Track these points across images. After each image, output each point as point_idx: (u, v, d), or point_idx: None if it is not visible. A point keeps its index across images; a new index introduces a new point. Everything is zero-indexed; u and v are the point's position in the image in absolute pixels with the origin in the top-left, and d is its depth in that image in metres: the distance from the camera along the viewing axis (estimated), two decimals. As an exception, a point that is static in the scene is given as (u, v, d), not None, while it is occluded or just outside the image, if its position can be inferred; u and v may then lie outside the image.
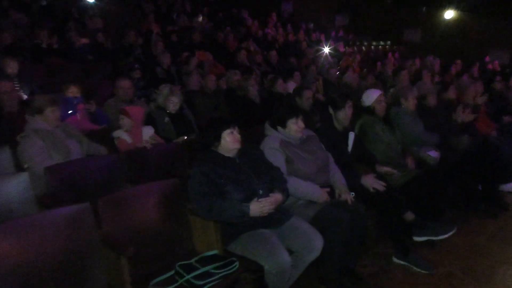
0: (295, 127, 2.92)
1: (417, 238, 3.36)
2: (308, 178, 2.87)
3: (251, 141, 2.99)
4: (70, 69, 6.80)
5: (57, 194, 2.73)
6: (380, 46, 13.61)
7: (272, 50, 8.42)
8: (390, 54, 10.84)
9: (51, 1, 9.78)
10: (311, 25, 13.07)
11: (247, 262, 2.39)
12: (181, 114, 4.20)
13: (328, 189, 2.90)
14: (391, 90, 4.50)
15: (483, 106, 5.12)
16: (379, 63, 7.93)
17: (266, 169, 2.64)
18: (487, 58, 11.40)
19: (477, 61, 9.87)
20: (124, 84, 4.57)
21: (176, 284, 2.12)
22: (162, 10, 11.28)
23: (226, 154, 2.56)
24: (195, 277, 2.12)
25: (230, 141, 2.53)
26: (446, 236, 3.29)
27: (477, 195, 4.21)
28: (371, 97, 3.77)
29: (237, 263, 2.25)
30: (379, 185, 3.15)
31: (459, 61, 8.76)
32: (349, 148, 3.46)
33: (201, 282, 2.09)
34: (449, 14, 14.41)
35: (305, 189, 2.81)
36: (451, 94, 4.79)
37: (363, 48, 12.86)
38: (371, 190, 3.16)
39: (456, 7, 14.06)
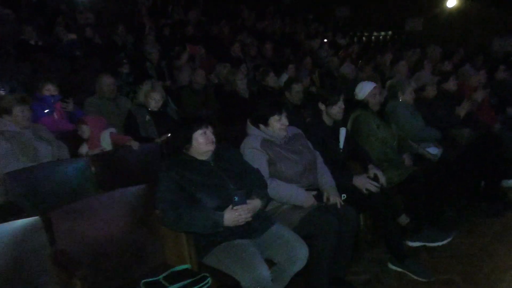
0: (278, 124, 2.67)
1: (411, 243, 3.12)
2: (292, 180, 2.63)
3: (237, 139, 2.76)
4: (56, 65, 6.60)
5: (17, 203, 2.49)
6: (381, 37, 13.25)
7: (267, 43, 8.12)
8: (389, 44, 10.51)
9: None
10: (310, 16, 12.74)
11: (222, 277, 2.15)
12: (163, 112, 3.95)
13: (315, 192, 2.66)
14: (388, 82, 4.22)
15: (486, 97, 4.83)
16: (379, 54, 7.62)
17: (244, 172, 2.40)
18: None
19: (481, 50, 9.53)
20: (106, 81, 4.33)
21: (139, 305, 1.90)
22: (157, 3, 11.01)
23: (199, 157, 2.32)
24: (160, 297, 1.89)
25: (202, 143, 2.28)
26: (442, 243, 3.04)
27: (480, 192, 3.95)
28: (364, 90, 3.51)
29: (209, 279, 2.02)
30: (372, 186, 2.91)
31: (461, 50, 8.43)
32: (341, 144, 3.21)
33: (167, 303, 1.87)
34: (452, 2, 14.04)
35: (288, 192, 2.57)
36: (451, 84, 4.50)
37: (364, 38, 12.51)
38: (364, 191, 2.92)
39: (459, -5, 13.67)
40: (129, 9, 10.09)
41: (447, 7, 14.05)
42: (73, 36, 7.27)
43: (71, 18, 8.68)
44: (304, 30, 10.59)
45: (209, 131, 2.31)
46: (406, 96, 3.83)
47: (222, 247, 2.20)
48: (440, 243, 3.04)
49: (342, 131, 3.19)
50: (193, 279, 2.02)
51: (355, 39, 12.07)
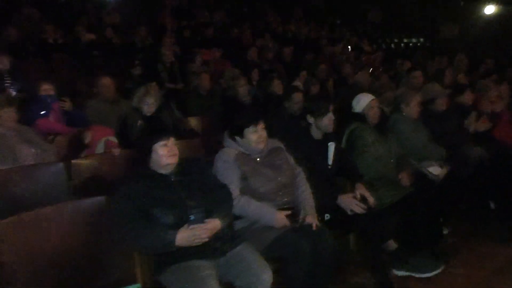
0: (253, 137, 2.51)
1: (397, 272, 2.86)
2: (265, 198, 2.47)
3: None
4: (73, 65, 6.67)
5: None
6: (411, 44, 12.77)
7: (286, 47, 7.94)
8: (418, 52, 10.09)
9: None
10: (338, 21, 12.45)
11: (175, 299, 2.02)
12: (157, 117, 3.86)
13: (289, 212, 2.48)
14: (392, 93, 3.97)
15: (507, 112, 4.47)
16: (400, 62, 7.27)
17: (209, 188, 2.26)
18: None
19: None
20: (105, 82, 4.30)
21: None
22: (183, 4, 11.01)
23: (159, 171, 2.19)
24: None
25: (162, 155, 2.16)
26: (431, 274, 2.78)
27: (488, 214, 3.65)
28: (362, 102, 3.31)
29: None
30: (358, 207, 2.70)
31: (490, 60, 7.93)
32: (329, 160, 3.01)
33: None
34: (490, 9, 13.40)
35: (257, 212, 2.40)
36: (467, 98, 4.18)
37: (392, 45, 12.09)
38: (349, 212, 2.72)
39: (498, 1, 13.01)
40: (155, 9, 10.15)
41: (485, 13, 13.42)
42: (91, 36, 7.34)
43: (96, 18, 8.80)
44: (329, 35, 10.33)
45: (171, 143, 2.18)
46: (411, 109, 3.58)
47: (178, 266, 2.06)
48: (428, 274, 2.78)
49: (331, 146, 2.99)
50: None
51: (383, 46, 11.67)
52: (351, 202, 2.72)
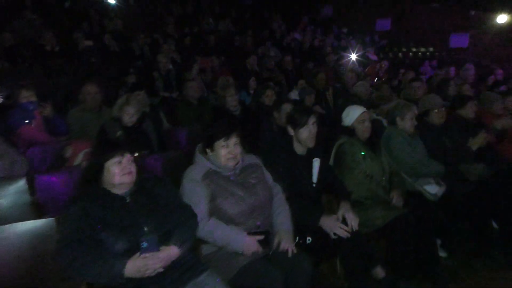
0: (223, 151, 2.29)
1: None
2: (234, 221, 2.24)
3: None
4: (69, 71, 6.55)
5: None
6: (420, 53, 12.47)
7: (287, 56, 7.74)
8: (427, 62, 9.80)
9: (74, 3, 9.66)
10: (345, 30, 12.23)
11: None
12: (138, 128, 3.67)
13: (261, 237, 2.24)
14: (387, 106, 3.73)
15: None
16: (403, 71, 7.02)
17: (170, 210, 2.04)
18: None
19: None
20: (90, 90, 4.12)
21: None
22: (187, 12, 10.91)
23: (113, 190, 1.98)
24: None
25: (116, 174, 1.95)
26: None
27: (491, 234, 3.37)
28: (351, 115, 3.07)
29: None
30: (341, 231, 2.46)
31: (500, 71, 7.61)
32: (314, 178, 2.78)
33: None
34: (502, 18, 13.07)
35: (224, 236, 2.17)
36: (469, 111, 3.91)
37: (400, 54, 11.81)
38: (332, 235, 2.48)
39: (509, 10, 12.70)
40: (157, 16, 10.05)
41: (497, 23, 13.10)
42: (89, 42, 7.22)
43: (98, 24, 8.71)
44: (334, 43, 10.12)
45: (125, 160, 1.97)
46: (405, 123, 3.34)
47: (130, 299, 1.85)
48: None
49: (315, 163, 2.76)
50: None
51: (390, 55, 11.41)
52: (334, 225, 2.48)
